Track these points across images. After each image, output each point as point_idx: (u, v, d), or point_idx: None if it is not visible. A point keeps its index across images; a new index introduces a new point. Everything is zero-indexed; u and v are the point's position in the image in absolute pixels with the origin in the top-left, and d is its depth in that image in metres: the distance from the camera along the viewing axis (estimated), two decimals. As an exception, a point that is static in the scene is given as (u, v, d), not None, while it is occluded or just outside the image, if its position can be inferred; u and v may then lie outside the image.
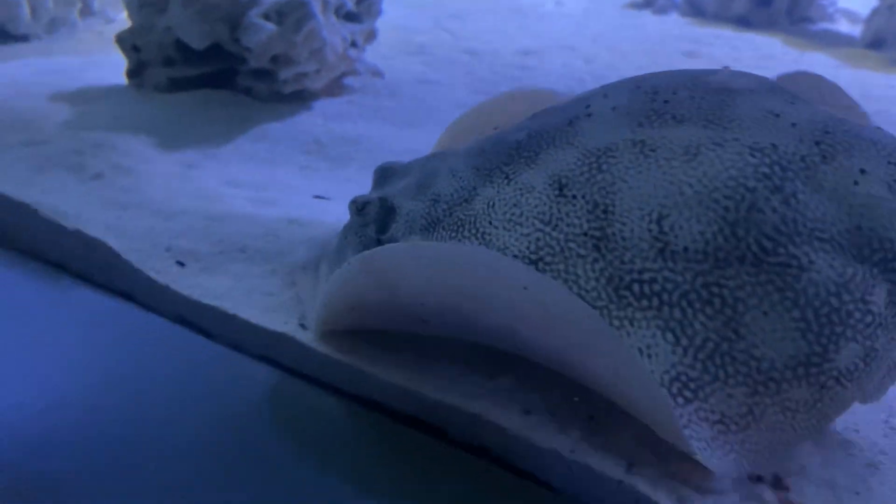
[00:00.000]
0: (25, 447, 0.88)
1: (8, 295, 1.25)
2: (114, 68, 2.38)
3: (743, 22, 3.65)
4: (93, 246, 1.26)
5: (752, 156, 0.78)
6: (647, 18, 3.65)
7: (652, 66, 2.73)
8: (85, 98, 2.04)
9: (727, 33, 3.38)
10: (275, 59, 1.90)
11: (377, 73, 2.22)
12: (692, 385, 0.72)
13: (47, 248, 1.32)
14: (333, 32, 1.97)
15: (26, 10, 2.66)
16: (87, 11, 2.89)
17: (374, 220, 1.00)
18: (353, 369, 0.96)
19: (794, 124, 0.80)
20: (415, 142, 1.88)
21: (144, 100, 2.00)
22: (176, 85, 2.01)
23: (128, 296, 1.23)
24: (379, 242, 0.97)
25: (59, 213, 1.33)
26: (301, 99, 2.02)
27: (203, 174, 1.65)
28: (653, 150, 0.82)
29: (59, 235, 1.30)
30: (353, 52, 2.10)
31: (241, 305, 1.11)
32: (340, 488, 0.83)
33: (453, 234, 0.90)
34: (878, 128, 0.85)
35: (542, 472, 0.83)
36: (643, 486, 0.77)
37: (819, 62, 2.92)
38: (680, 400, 0.72)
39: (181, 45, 1.96)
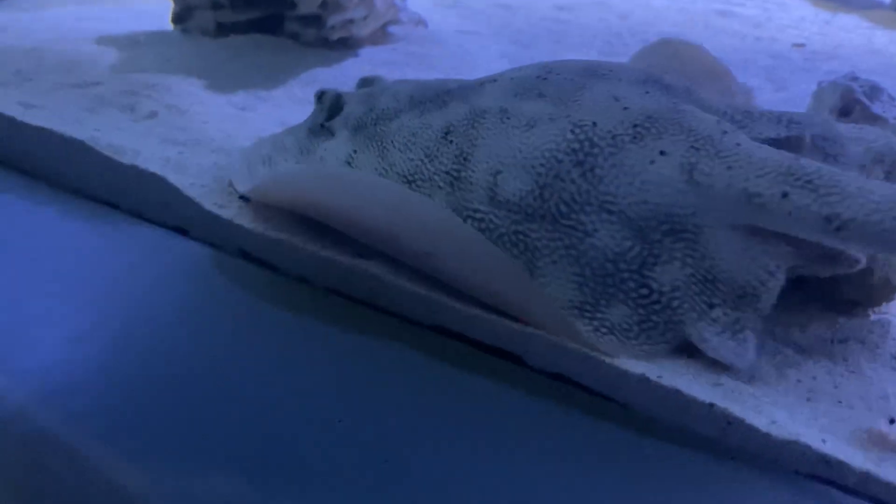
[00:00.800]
0: (90, 377, 0.89)
1: (59, 233, 1.24)
2: (154, 16, 2.37)
3: (771, -16, 3.61)
4: (149, 181, 1.23)
5: (572, 132, 0.90)
6: (677, -22, 3.60)
7: (687, 23, 2.71)
8: (132, 42, 2.03)
9: (755, -7, 3.34)
10: (324, 4, 1.89)
11: (420, 22, 2.20)
12: None
13: (98, 186, 1.30)
14: (381, -21, 1.96)
15: (63, -43, 2.63)
16: (121, -43, 2.85)
17: (326, 109, 1.17)
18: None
19: (625, 108, 0.91)
20: (462, 90, 1.88)
21: (192, 43, 1.99)
22: (222, 30, 2.00)
23: (184, 231, 1.21)
24: (321, 128, 1.16)
25: (115, 149, 1.31)
26: (347, 46, 2.01)
27: (256, 116, 1.64)
28: (508, 118, 0.96)
29: (113, 172, 1.27)
30: (397, 1, 2.08)
31: (314, 241, 1.11)
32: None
33: (367, 141, 1.07)
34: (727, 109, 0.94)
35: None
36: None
37: (851, 23, 2.89)
38: None
39: (229, -10, 1.94)
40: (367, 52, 2.02)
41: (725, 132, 0.87)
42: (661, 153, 0.86)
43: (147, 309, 1.03)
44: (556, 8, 2.72)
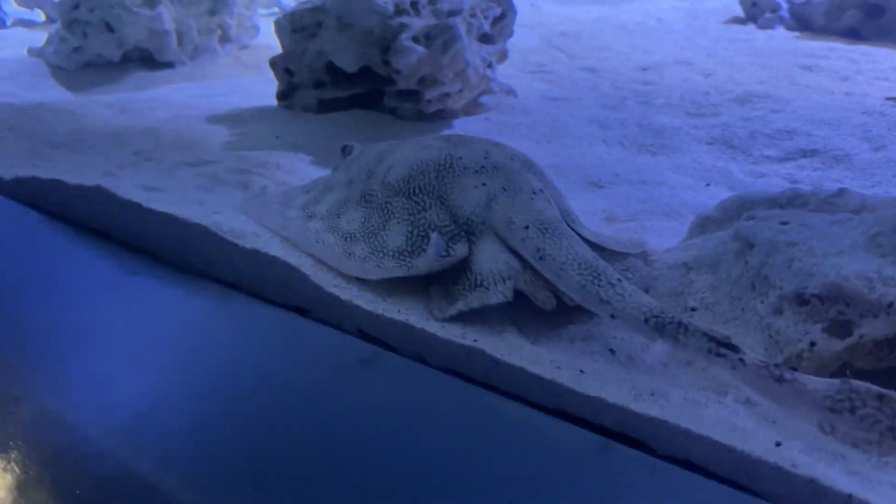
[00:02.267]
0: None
1: (183, 312, 1.27)
2: (255, 90, 2.49)
3: (852, 34, 3.53)
4: (269, 264, 1.26)
5: (446, 157, 1.28)
6: (755, 33, 3.57)
7: (771, 79, 2.67)
8: (239, 119, 2.13)
9: (840, 46, 3.27)
10: (422, 80, 1.94)
11: (510, 92, 2.24)
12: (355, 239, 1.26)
13: (221, 268, 1.33)
14: (474, 54, 2.00)
15: (174, 40, 2.79)
16: (224, 38, 3.01)
17: (342, 155, 1.54)
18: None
19: (486, 157, 1.28)
20: (554, 156, 1.89)
21: (296, 120, 2.07)
22: (324, 106, 2.07)
23: (303, 311, 1.23)
24: (335, 169, 1.53)
25: (236, 233, 1.33)
26: (442, 118, 2.06)
27: (362, 189, 1.68)
28: (412, 145, 1.36)
29: (235, 255, 1.30)
30: (488, 73, 2.12)
31: (429, 320, 1.12)
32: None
33: (346, 167, 1.45)
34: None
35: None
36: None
37: (942, 74, 2.79)
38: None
39: (331, 68, 2.02)
40: (460, 123, 2.06)
41: (534, 192, 1.22)
42: (483, 184, 1.22)
43: (262, 382, 1.06)
44: (639, 69, 2.72)
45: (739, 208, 1.20)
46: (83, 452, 0.93)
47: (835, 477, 0.80)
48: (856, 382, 0.85)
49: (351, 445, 0.93)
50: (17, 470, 0.92)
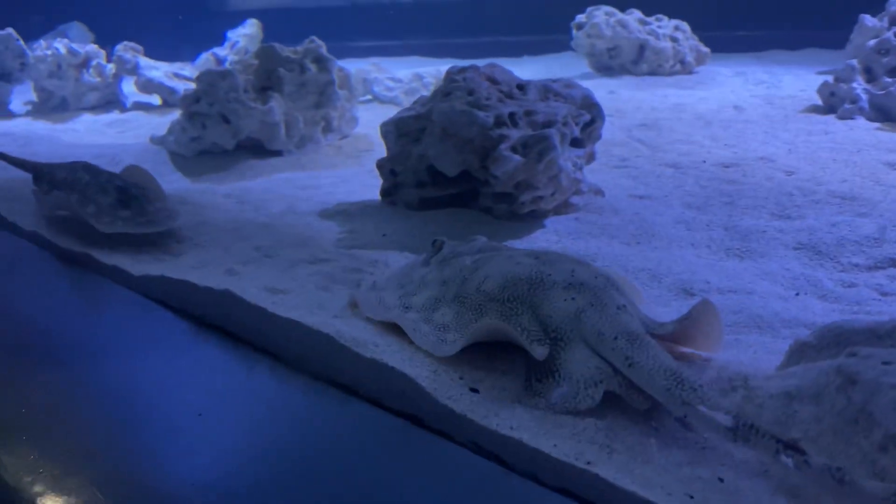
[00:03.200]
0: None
1: (303, 415, 1.35)
2: (358, 182, 2.64)
3: (935, 126, 3.50)
4: (388, 374, 1.32)
5: (535, 270, 1.39)
6: (834, 124, 3.57)
7: (855, 178, 2.67)
8: (347, 215, 2.26)
9: (922, 139, 3.25)
10: (517, 184, 2.04)
11: (599, 192, 2.32)
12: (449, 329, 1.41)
13: (341, 374, 1.39)
14: (566, 159, 2.10)
15: (283, 131, 2.99)
16: (328, 129, 3.20)
17: (433, 250, 1.62)
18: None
19: (573, 273, 1.40)
20: (645, 260, 1.95)
21: (399, 216, 2.19)
22: (425, 204, 2.19)
23: (418, 420, 1.28)
24: (426, 262, 1.60)
25: (357, 342, 1.39)
26: (534, 217, 2.15)
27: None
28: (509, 257, 1.48)
29: (356, 363, 1.36)
30: (578, 175, 2.21)
31: (539, 438, 1.18)
32: None
33: (441, 265, 1.56)
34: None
35: None
36: None
37: None
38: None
39: (433, 171, 2.14)
40: (552, 223, 2.15)
41: (618, 308, 1.32)
42: (573, 299, 1.32)
43: (374, 489, 1.12)
44: (722, 166, 2.77)
45: (837, 337, 1.24)
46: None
47: None
48: None
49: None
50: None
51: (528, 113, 2.06)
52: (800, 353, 1.27)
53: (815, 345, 1.26)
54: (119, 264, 1.88)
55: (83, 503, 1.10)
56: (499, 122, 2.00)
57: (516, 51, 7.09)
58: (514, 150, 2.00)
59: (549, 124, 2.02)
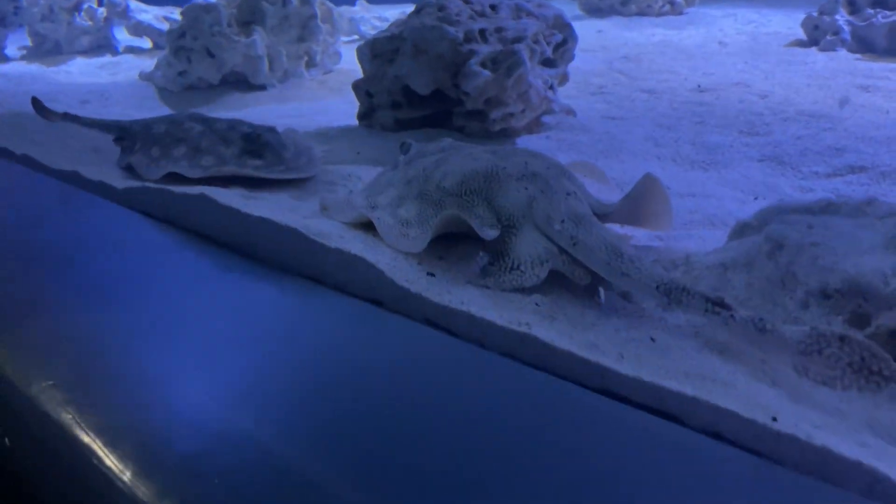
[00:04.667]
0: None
1: (275, 305, 1.40)
2: (339, 111, 2.66)
3: (916, 56, 3.50)
4: (351, 262, 1.38)
5: (493, 165, 1.43)
6: (815, 56, 3.57)
7: (827, 99, 2.70)
8: (326, 137, 2.30)
9: (901, 67, 3.25)
10: (488, 101, 2.07)
11: (570, 112, 2.35)
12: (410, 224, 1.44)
13: (309, 266, 1.45)
14: (536, 77, 2.12)
15: (266, 65, 3.01)
16: (311, 64, 3.21)
17: (402, 152, 1.66)
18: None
19: (526, 164, 1.44)
20: (610, 171, 1.98)
21: (375, 137, 2.23)
22: (400, 125, 2.22)
23: (379, 303, 1.34)
24: (395, 167, 1.64)
25: (323, 235, 1.45)
26: (506, 136, 2.18)
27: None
28: (467, 154, 1.52)
29: (321, 254, 1.42)
30: (550, 94, 2.24)
31: (487, 310, 1.24)
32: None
33: (405, 167, 1.60)
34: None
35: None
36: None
37: None
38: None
39: (407, 91, 2.17)
40: (523, 141, 2.18)
41: (568, 194, 1.38)
42: (525, 188, 1.37)
43: (343, 366, 1.18)
44: (697, 91, 2.79)
45: (776, 215, 1.28)
46: (189, 413, 1.08)
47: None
48: (822, 327, 0.96)
49: (413, 407, 1.06)
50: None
51: (499, 30, 2.08)
52: (740, 232, 1.32)
53: (755, 225, 1.31)
54: (105, 179, 1.93)
55: (59, 382, 1.16)
56: (468, 38, 2.02)
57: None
58: (483, 65, 2.02)
59: (518, 40, 2.04)
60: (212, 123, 1.99)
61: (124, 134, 2.08)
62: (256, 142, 1.88)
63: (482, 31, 2.04)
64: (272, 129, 1.96)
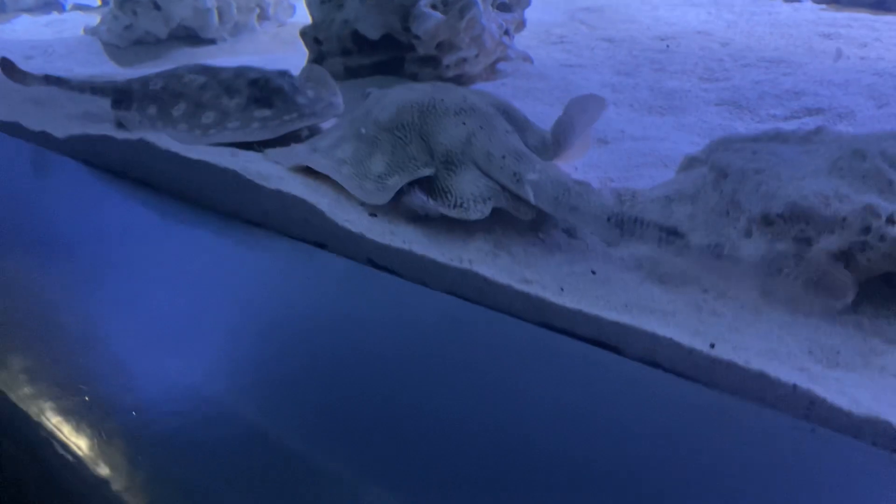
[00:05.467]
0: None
1: (217, 251, 1.37)
2: (289, 62, 2.58)
3: (879, 6, 3.47)
4: (291, 203, 1.35)
5: (429, 98, 1.39)
6: (780, 6, 3.54)
7: (788, 46, 2.67)
8: (274, 86, 2.23)
9: (864, 16, 3.23)
10: (440, 45, 2.01)
11: (527, 59, 2.30)
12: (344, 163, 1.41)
13: (250, 209, 1.43)
14: (491, 20, 2.07)
15: (215, 18, 2.91)
16: (263, 16, 3.12)
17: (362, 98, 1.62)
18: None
19: (464, 99, 1.40)
20: (566, 117, 1.95)
21: (325, 86, 2.16)
22: (351, 73, 2.16)
23: (322, 245, 1.32)
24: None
25: (263, 176, 1.41)
26: (461, 83, 2.12)
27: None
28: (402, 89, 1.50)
29: (261, 196, 1.39)
30: (505, 39, 2.18)
31: (430, 248, 1.21)
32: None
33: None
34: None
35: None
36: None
37: (964, 40, 2.76)
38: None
39: (357, 37, 2.11)
40: (478, 88, 2.13)
41: (507, 131, 1.34)
42: (463, 123, 1.32)
43: (286, 309, 1.15)
44: (658, 39, 2.75)
45: (724, 146, 1.26)
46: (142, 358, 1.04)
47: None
48: (780, 246, 0.94)
49: (355, 351, 1.03)
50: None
51: (450, -29, 2.01)
52: (688, 165, 1.29)
53: (703, 158, 1.28)
54: (47, 129, 1.86)
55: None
56: (418, -21, 1.96)
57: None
58: (434, 8, 1.96)
59: (470, -18, 1.98)
60: (216, 73, 1.81)
61: (121, 96, 1.88)
62: (265, 88, 1.71)
63: (432, -27, 1.98)
64: (284, 73, 1.78)
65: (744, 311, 0.99)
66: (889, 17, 3.21)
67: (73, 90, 1.96)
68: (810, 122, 1.89)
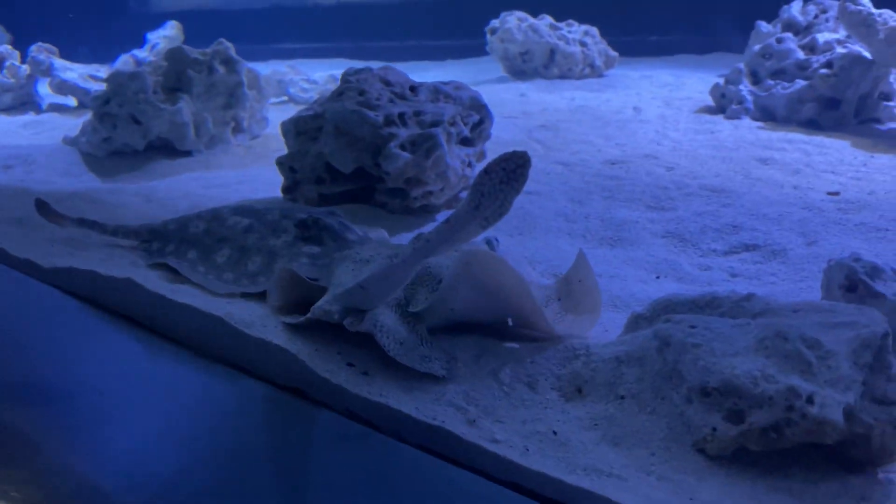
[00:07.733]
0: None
1: (200, 393, 1.44)
2: (263, 180, 2.71)
3: (812, 125, 3.74)
4: (274, 352, 1.41)
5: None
6: (721, 124, 3.81)
7: (728, 172, 2.89)
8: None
9: (797, 137, 3.48)
10: (408, 180, 2.15)
11: (489, 187, 2.45)
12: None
13: (233, 354, 1.48)
14: (454, 157, 2.23)
15: (192, 131, 3.04)
16: (237, 129, 3.26)
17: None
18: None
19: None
20: (524, 249, 2.09)
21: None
22: (324, 199, 2.28)
23: (301, 392, 1.37)
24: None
25: (246, 323, 1.47)
26: (427, 211, 2.27)
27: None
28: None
29: (244, 343, 1.45)
30: (468, 171, 2.34)
31: (404, 402, 1.30)
32: None
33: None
34: None
35: None
36: None
37: (889, 164, 3.00)
38: None
39: (330, 168, 2.24)
40: (442, 216, 2.27)
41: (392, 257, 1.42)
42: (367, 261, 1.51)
43: (260, 457, 1.22)
44: (609, 163, 2.95)
45: (666, 308, 1.39)
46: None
47: None
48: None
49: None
50: None
51: (417, 113, 2.17)
52: (634, 323, 1.42)
53: (647, 316, 1.42)
54: (31, 257, 1.90)
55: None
56: (388, 122, 2.11)
57: (441, 54, 7.23)
58: (403, 147, 2.11)
59: (435, 124, 2.14)
60: (262, 215, 1.75)
61: (154, 237, 1.86)
62: (314, 227, 1.67)
63: (402, 115, 2.14)
64: (333, 212, 1.77)
65: (687, 477, 1.10)
66: (819, 139, 3.46)
67: (105, 234, 1.94)
68: (748, 258, 2.06)
